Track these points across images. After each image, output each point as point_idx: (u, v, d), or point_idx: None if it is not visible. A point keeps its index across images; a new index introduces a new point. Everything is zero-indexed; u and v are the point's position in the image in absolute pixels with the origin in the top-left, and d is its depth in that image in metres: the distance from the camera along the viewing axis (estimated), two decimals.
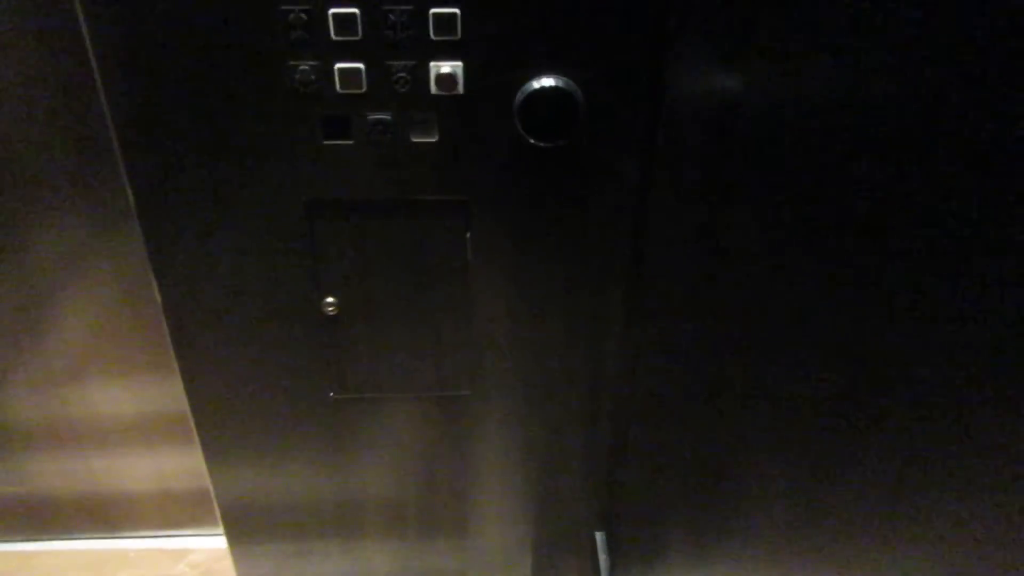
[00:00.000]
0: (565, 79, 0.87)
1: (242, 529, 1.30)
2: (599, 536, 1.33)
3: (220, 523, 1.29)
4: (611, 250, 1.02)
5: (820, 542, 0.47)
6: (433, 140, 0.92)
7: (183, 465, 1.37)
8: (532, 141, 0.90)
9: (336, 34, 0.84)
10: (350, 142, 0.92)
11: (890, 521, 0.39)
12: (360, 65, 0.86)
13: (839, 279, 0.44)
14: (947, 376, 0.34)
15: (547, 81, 0.87)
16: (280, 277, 1.02)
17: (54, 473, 1.38)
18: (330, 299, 1.03)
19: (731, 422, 0.65)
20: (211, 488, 1.24)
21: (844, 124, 0.43)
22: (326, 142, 0.92)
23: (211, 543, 1.47)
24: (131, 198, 0.95)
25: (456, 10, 0.84)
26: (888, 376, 0.39)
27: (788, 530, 0.52)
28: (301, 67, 0.86)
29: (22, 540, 1.48)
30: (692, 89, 0.77)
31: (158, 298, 1.02)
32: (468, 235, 1.00)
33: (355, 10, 0.84)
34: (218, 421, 1.15)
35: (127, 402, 1.29)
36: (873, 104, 0.39)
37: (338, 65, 0.86)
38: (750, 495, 0.60)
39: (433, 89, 0.88)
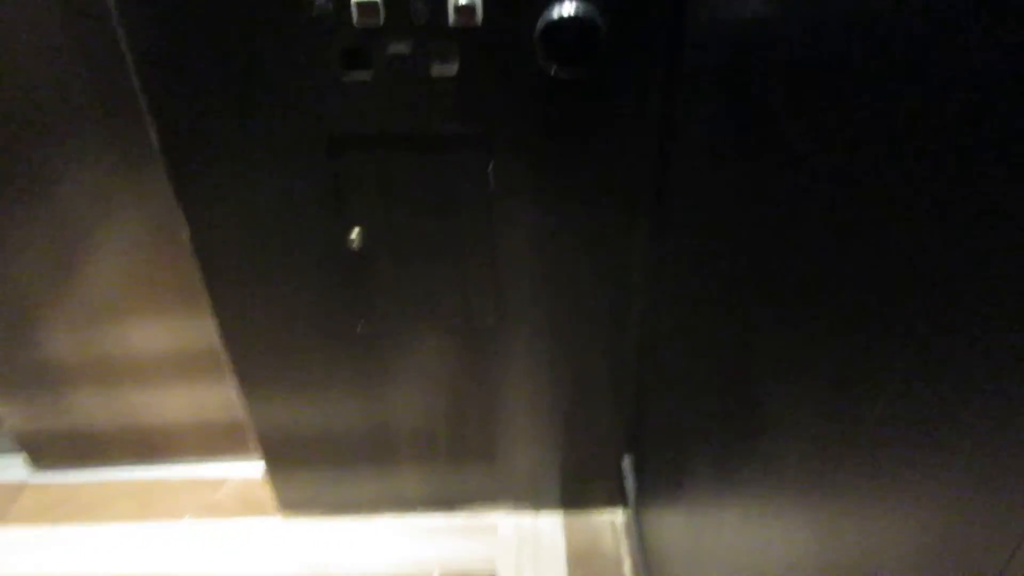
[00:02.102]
0: (586, 6, 0.86)
1: (279, 456, 1.34)
2: (626, 459, 1.36)
3: (257, 452, 1.34)
4: (635, 178, 1.01)
5: (850, 462, 0.48)
6: (452, 73, 0.91)
7: (219, 398, 1.41)
8: (553, 71, 0.89)
9: None
10: (369, 77, 0.91)
11: (921, 439, 0.40)
12: None
13: (872, 194, 0.44)
14: (980, 284, 0.34)
15: (568, 9, 0.85)
16: (305, 213, 1.02)
17: (95, 407, 1.43)
18: (354, 234, 1.04)
19: (759, 344, 0.65)
20: (247, 418, 1.28)
21: (880, 43, 0.42)
22: (345, 77, 0.91)
23: (249, 470, 1.52)
24: (153, 136, 0.95)
25: None
26: (919, 289, 0.39)
27: (817, 449, 0.53)
28: (318, 0, 0.85)
29: (69, 470, 1.54)
30: (717, 13, 0.75)
31: (186, 236, 1.04)
32: (490, 167, 1.00)
33: None
34: (250, 355, 1.18)
35: (162, 338, 1.33)
36: (913, 21, 0.39)
37: None
38: (778, 416, 0.61)
39: (452, 20, 0.86)
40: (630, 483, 1.35)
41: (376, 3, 0.85)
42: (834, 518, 0.51)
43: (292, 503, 1.43)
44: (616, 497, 1.43)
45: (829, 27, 0.49)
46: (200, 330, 1.31)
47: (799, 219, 0.55)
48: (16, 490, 1.52)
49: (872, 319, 0.44)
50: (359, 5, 0.85)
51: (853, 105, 0.45)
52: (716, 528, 0.84)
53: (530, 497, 1.43)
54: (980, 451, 0.35)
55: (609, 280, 1.11)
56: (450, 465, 1.37)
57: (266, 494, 1.44)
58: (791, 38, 0.55)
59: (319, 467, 1.36)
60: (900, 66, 0.40)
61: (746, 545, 0.72)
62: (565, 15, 0.84)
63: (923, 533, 0.40)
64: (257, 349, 1.17)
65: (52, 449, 1.52)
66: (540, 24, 0.86)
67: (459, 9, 0.85)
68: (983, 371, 0.34)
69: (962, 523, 0.37)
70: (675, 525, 1.04)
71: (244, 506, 1.48)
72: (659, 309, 1.07)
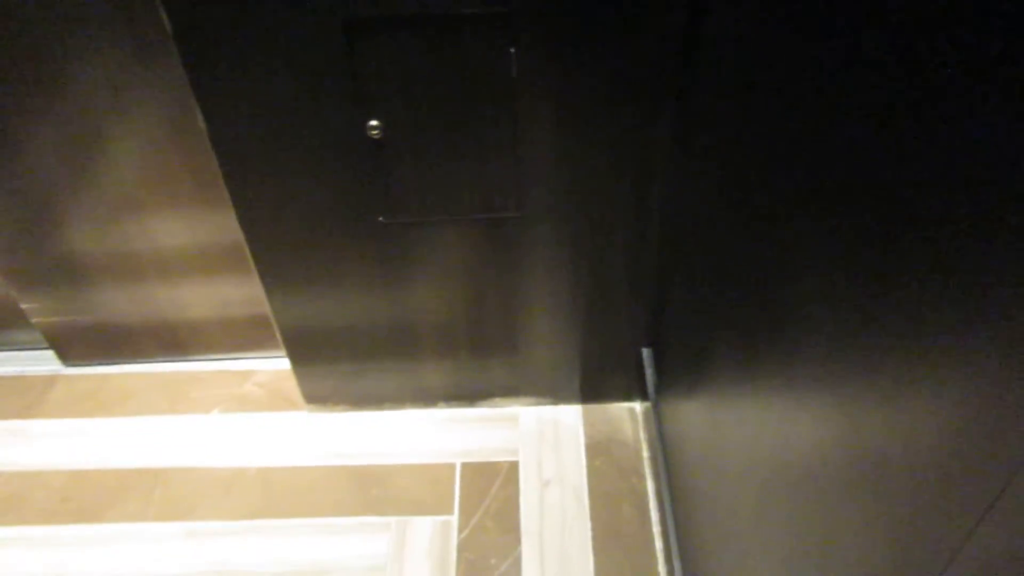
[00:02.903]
0: None
1: (302, 351, 1.36)
2: (646, 352, 1.37)
3: (281, 345, 1.35)
4: (662, 61, 0.98)
5: (879, 348, 0.47)
6: None
7: (247, 292, 1.42)
8: None
9: None
10: None
11: (952, 322, 0.39)
12: None
13: (902, 80, 0.42)
14: (1016, 166, 0.33)
15: None
16: (323, 101, 1.00)
17: (121, 302, 1.45)
18: (374, 122, 1.02)
19: (786, 231, 0.64)
20: (270, 313, 1.29)
21: None
22: None
23: (275, 364, 1.55)
24: (166, 23, 0.93)
25: None
26: (948, 177, 0.37)
27: (845, 335, 0.52)
28: None
29: (101, 364, 1.57)
30: None
31: (203, 127, 1.02)
32: (512, 51, 0.96)
33: None
34: (271, 248, 1.18)
35: (185, 232, 1.32)
36: None
37: None
38: (804, 303, 0.60)
39: None
40: (649, 375, 1.36)
41: None
42: (861, 404, 0.51)
43: (317, 397, 1.45)
44: (635, 389, 1.45)
45: None
46: (224, 224, 1.31)
47: (827, 105, 0.53)
48: (48, 382, 1.56)
49: (902, 204, 0.42)
50: None
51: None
52: (736, 416, 0.84)
53: (550, 390, 1.45)
54: (1013, 335, 0.34)
55: (631, 170, 1.09)
56: (471, 359, 1.38)
57: (293, 387, 1.47)
58: None
59: (342, 362, 1.38)
60: None
61: (768, 432, 0.72)
62: None
63: (953, 419, 0.39)
64: (277, 242, 1.17)
65: (80, 344, 1.54)
66: None
67: None
68: (1016, 254, 0.33)
69: (994, 409, 0.36)
70: (694, 414, 1.05)
71: (272, 399, 1.51)
72: (682, 199, 1.05)
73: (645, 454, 1.38)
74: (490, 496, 1.33)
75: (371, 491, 1.35)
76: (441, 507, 1.32)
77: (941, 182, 0.39)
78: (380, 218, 1.13)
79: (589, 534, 1.27)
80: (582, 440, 1.41)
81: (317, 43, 0.94)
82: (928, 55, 0.40)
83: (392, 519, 1.31)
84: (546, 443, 1.41)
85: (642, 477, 1.35)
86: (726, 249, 0.85)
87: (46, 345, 1.55)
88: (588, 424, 1.44)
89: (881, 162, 0.45)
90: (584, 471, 1.36)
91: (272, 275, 1.22)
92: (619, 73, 0.98)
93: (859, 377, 0.50)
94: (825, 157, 0.54)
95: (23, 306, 1.46)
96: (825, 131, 0.54)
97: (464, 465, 1.38)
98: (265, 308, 1.29)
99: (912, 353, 0.43)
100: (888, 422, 0.46)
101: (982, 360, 0.36)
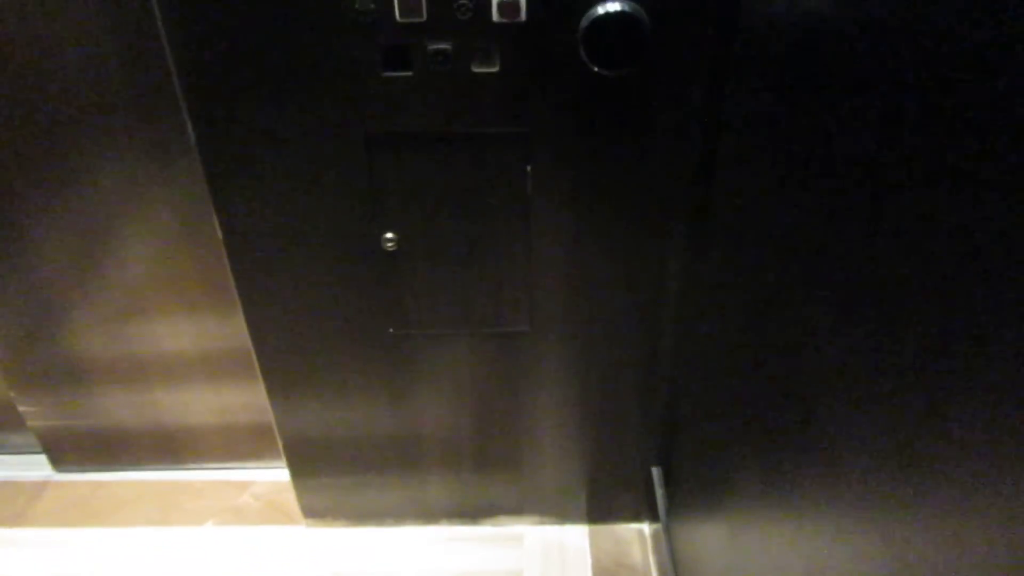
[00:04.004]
0: (632, 3, 0.84)
1: (303, 462, 1.32)
2: (656, 471, 1.34)
3: (282, 456, 1.32)
4: (676, 183, 0.99)
5: (928, 471, 0.45)
6: (494, 70, 0.89)
7: (247, 400, 1.40)
8: (596, 70, 0.87)
9: None
10: (409, 73, 0.90)
11: (1012, 464, 0.37)
12: None
13: (935, 204, 0.41)
14: None
15: (613, 6, 0.83)
16: (339, 212, 1.01)
17: (120, 407, 1.42)
18: (389, 235, 1.03)
19: (814, 348, 0.63)
20: (273, 422, 1.26)
21: (941, 41, 0.40)
22: (385, 74, 0.90)
23: (274, 475, 1.50)
24: (191, 133, 0.94)
25: None
26: (1004, 303, 0.36)
27: (888, 457, 0.50)
28: None
29: (93, 470, 1.53)
30: (770, 10, 0.73)
31: (219, 234, 1.03)
32: (528, 169, 0.98)
33: None
34: (279, 356, 1.16)
35: (189, 337, 1.31)
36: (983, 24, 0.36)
37: None
38: (838, 423, 0.58)
39: (495, 16, 0.85)
40: (660, 495, 1.32)
41: None
42: (910, 533, 0.48)
43: (316, 511, 1.41)
44: (643, 510, 1.40)
45: (892, 28, 0.46)
46: (229, 330, 1.30)
47: (855, 220, 0.53)
48: (38, 489, 1.51)
49: (953, 314, 0.41)
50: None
51: (919, 111, 0.43)
52: (762, 542, 0.81)
53: (556, 509, 1.41)
54: None
55: (644, 286, 1.09)
56: (476, 475, 1.35)
57: (291, 500, 1.42)
58: (853, 39, 0.53)
59: (344, 474, 1.34)
60: (969, 75, 0.37)
61: (799, 561, 0.69)
62: (610, 11, 0.83)
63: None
64: (285, 349, 1.15)
65: (74, 449, 1.50)
66: (584, 21, 0.84)
67: (502, 5, 0.84)
68: None
69: None
70: (711, 539, 1.01)
71: (269, 512, 1.46)
72: (698, 316, 1.04)
73: None
74: None
75: None
76: None
77: (1004, 277, 0.38)
78: (390, 329, 1.12)
79: None
80: (589, 563, 1.36)
81: (339, 157, 0.96)
82: (950, 132, 0.40)
83: None
84: (552, 565, 1.35)
85: None
86: (745, 367, 0.84)
87: (39, 449, 1.51)
88: (595, 546, 1.39)
89: (929, 268, 0.44)
90: None
91: (277, 382, 1.20)
92: (633, 192, 0.99)
93: (908, 503, 0.48)
94: (860, 271, 0.54)
95: (21, 408, 1.43)
96: (858, 248, 0.54)
97: None
98: (267, 417, 1.27)
99: (978, 481, 0.41)
100: (942, 557, 0.44)
101: None
